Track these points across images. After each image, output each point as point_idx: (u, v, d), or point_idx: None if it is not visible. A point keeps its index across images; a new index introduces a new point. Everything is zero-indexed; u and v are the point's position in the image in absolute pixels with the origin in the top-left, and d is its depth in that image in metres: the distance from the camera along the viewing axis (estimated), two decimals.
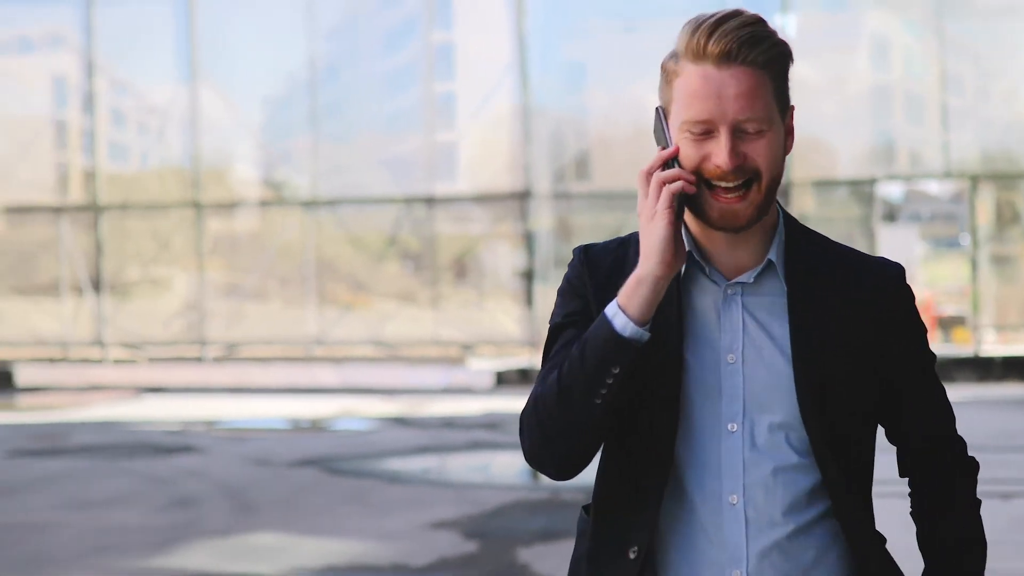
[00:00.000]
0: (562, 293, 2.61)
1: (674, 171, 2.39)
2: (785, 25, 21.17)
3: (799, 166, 21.00)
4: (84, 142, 24.74)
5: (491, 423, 16.46)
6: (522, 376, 20.81)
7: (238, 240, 24.83)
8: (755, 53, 2.37)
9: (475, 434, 15.61)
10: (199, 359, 23.37)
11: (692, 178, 2.38)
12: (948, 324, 22.63)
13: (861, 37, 22.27)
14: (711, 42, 2.37)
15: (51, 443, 15.30)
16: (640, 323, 2.38)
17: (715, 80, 2.37)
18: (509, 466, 13.33)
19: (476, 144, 24.20)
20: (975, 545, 2.62)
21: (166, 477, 12.57)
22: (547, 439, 2.47)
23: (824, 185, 22.07)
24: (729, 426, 2.46)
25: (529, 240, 22.43)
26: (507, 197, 22.80)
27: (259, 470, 12.94)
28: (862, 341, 2.52)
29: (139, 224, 24.60)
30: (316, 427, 16.97)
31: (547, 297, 20.75)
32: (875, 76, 22.84)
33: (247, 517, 10.54)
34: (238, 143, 24.89)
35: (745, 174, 2.39)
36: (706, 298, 2.51)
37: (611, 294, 2.46)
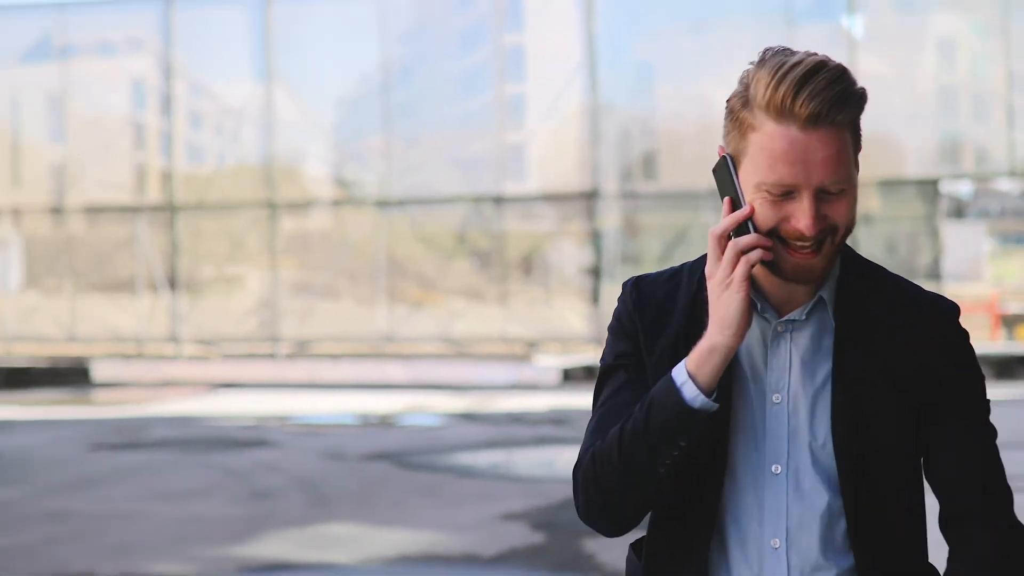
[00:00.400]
0: (612, 331, 2.52)
1: (752, 238, 2.27)
2: (852, 25, 21.27)
3: (864, 165, 20.99)
4: (161, 143, 25.36)
5: (557, 419, 16.71)
6: (588, 373, 21.04)
7: (310, 239, 25.27)
8: (844, 114, 2.23)
9: (542, 429, 15.87)
10: (272, 356, 23.84)
11: (769, 243, 2.26)
12: (1012, 322, 22.64)
13: (927, 37, 22.33)
14: (799, 102, 2.21)
15: (130, 437, 15.72)
16: (710, 392, 2.29)
17: (801, 144, 2.22)
18: (575, 461, 13.58)
19: (545, 144, 24.46)
20: None
21: (243, 470, 12.92)
22: (605, 500, 2.41)
23: (890, 184, 22.13)
24: (773, 468, 2.37)
25: (596, 238, 22.66)
26: (575, 196, 23.09)
27: (332, 464, 13.26)
28: (908, 381, 2.38)
29: (214, 223, 25.14)
30: (386, 422, 17.28)
31: (613, 295, 21.00)
32: (941, 76, 22.91)
33: (322, 509, 10.85)
34: (311, 144, 25.36)
35: (824, 234, 2.26)
36: (755, 335, 2.41)
37: (660, 332, 2.44)
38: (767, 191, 2.25)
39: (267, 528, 10.01)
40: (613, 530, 2.46)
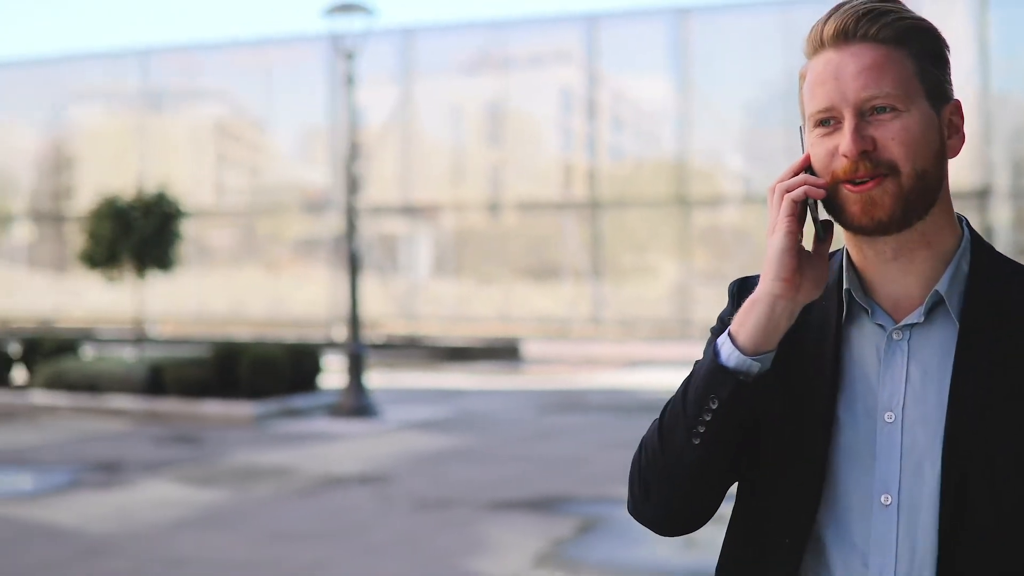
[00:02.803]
0: (712, 331, 2.23)
1: (798, 178, 2.05)
2: None
3: None
4: (586, 145, 27.55)
5: None
6: None
7: (720, 232, 27.00)
8: (877, 27, 2.02)
9: None
10: (684, 337, 25.73)
11: (820, 182, 2.03)
12: None
13: None
14: (827, 26, 2.04)
15: (570, 403, 18.15)
16: (751, 351, 2.04)
17: (834, 62, 2.03)
18: None
19: None
20: None
21: None
22: (646, 487, 2.15)
23: None
24: (882, 498, 2.03)
25: (987, 234, 23.25)
26: (966, 194, 23.68)
27: None
28: None
29: (633, 217, 27.16)
30: None
31: None
32: None
33: None
34: (722, 145, 27.07)
35: (876, 166, 1.99)
36: (868, 344, 2.10)
37: None
38: (817, 127, 2.06)
39: None
40: (655, 526, 2.23)
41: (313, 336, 25.84)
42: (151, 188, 19.43)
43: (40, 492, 11.69)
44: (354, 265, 17.43)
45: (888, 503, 2.02)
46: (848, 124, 1.99)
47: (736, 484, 2.21)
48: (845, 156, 1.99)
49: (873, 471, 2.04)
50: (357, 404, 16.37)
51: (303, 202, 29.41)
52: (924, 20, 2.06)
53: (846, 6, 2.05)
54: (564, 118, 28.39)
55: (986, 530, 1.98)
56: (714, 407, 2.03)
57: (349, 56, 17.15)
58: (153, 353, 19.71)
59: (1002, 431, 1.98)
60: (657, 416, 2.16)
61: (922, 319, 2.05)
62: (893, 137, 1.98)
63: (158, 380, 17.08)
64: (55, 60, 31.60)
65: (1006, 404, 1.99)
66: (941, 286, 2.05)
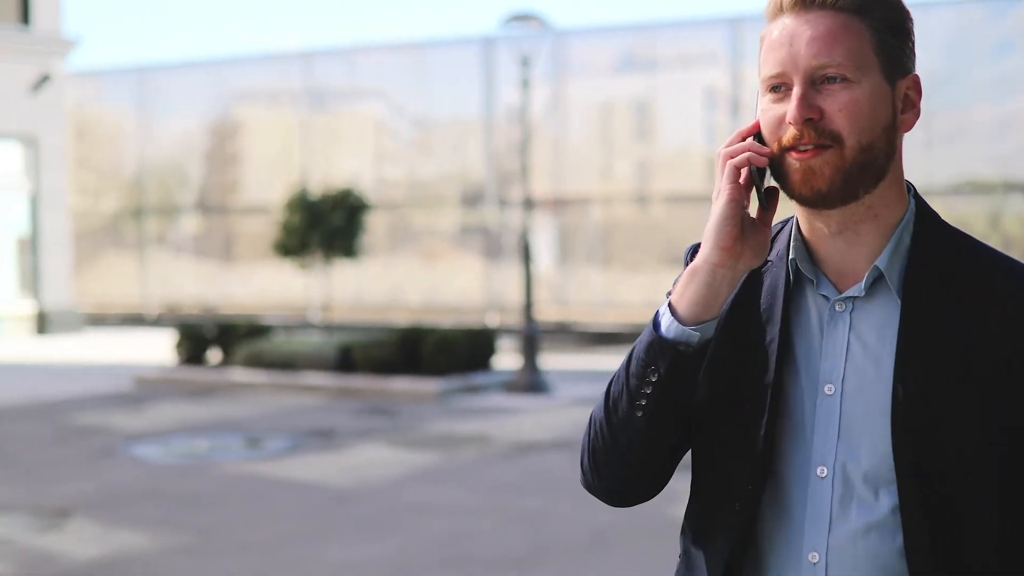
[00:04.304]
0: (668, 295, 2.14)
1: (742, 144, 2.03)
2: None
3: None
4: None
5: None
6: None
7: None
8: None
9: None
10: None
11: (764, 150, 2.01)
12: None
13: None
14: None
15: None
16: (690, 322, 2.01)
17: (790, 28, 2.00)
18: None
19: None
20: None
21: None
22: (595, 459, 2.19)
23: None
24: (818, 470, 2.03)
25: None
26: None
27: None
28: (993, 376, 1.97)
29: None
30: None
31: None
32: None
33: None
34: None
35: (821, 136, 1.97)
36: (812, 315, 2.09)
37: None
38: (769, 92, 2.05)
39: None
40: (611, 498, 2.29)
41: (468, 322, 26.96)
42: (314, 183, 20.91)
43: (271, 455, 13.20)
44: (527, 255, 18.92)
45: (824, 475, 2.02)
46: (796, 91, 1.98)
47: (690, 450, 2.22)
48: (791, 123, 1.98)
49: (811, 444, 2.04)
50: (532, 381, 17.85)
51: (458, 195, 30.68)
52: None
53: None
54: (708, 115, 29.27)
55: (941, 506, 1.97)
56: (654, 379, 2.03)
57: (524, 62, 18.65)
58: (327, 336, 21.24)
59: (949, 405, 1.97)
60: (604, 391, 2.15)
61: (863, 293, 2.05)
62: (840, 109, 1.97)
63: (347, 359, 18.66)
64: (224, 62, 33.32)
65: (950, 378, 1.98)
66: (881, 261, 2.04)
